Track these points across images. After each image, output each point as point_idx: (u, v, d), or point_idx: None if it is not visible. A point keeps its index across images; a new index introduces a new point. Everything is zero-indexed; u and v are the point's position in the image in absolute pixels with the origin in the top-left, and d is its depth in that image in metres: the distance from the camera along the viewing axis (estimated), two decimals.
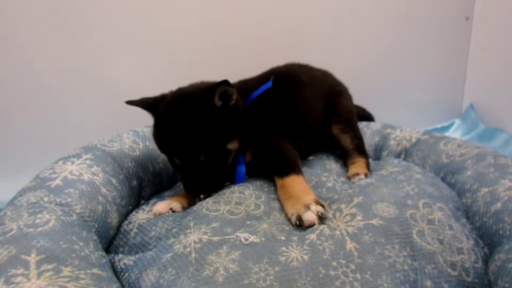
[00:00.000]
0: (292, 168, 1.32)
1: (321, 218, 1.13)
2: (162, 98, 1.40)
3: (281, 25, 2.30)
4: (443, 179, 1.48)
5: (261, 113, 1.51)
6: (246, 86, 1.57)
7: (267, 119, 1.52)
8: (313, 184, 1.38)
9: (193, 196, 1.37)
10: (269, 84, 1.55)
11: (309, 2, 2.31)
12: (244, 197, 1.27)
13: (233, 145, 1.36)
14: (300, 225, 1.13)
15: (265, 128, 1.50)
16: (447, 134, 2.53)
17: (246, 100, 1.50)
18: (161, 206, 1.31)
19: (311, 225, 1.12)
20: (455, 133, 2.55)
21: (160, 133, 1.35)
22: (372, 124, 1.97)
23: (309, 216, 1.12)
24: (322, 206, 1.15)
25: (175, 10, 2.13)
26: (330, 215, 1.17)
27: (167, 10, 2.12)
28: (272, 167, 1.36)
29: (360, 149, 1.67)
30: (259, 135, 1.47)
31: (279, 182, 1.30)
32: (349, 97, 1.86)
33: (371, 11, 2.41)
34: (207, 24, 2.19)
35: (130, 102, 1.39)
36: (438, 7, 2.47)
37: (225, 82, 1.26)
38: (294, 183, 1.27)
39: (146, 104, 1.40)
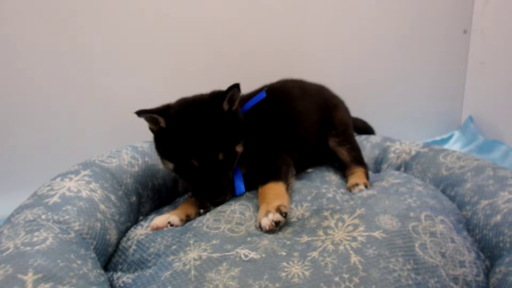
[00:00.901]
0: (273, 175, 1.37)
1: (279, 224, 1.20)
2: (169, 106, 1.40)
3: (282, 39, 2.31)
4: (443, 191, 1.47)
5: (253, 126, 1.52)
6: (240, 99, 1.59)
7: (259, 131, 1.54)
8: (313, 195, 1.37)
9: (210, 203, 1.37)
10: (262, 94, 1.57)
11: (310, 15, 2.32)
12: (244, 218, 1.27)
13: (240, 148, 1.40)
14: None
15: (258, 140, 1.52)
16: (446, 146, 2.53)
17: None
18: (159, 220, 1.30)
19: (269, 231, 1.19)
20: (455, 145, 2.55)
21: (175, 138, 1.33)
22: (371, 137, 1.97)
23: (264, 223, 1.19)
24: (283, 213, 1.21)
25: (174, 24, 2.14)
26: (332, 224, 1.18)
27: (166, 24, 2.13)
28: (258, 177, 1.40)
29: (358, 160, 1.68)
30: (253, 148, 1.49)
31: (259, 190, 1.36)
32: (345, 110, 1.87)
33: (369, 25, 2.43)
34: (206, 38, 2.19)
35: (140, 112, 1.35)
36: (436, 21, 2.48)
37: (236, 86, 1.30)
38: (270, 189, 1.32)
39: (156, 110, 1.37)
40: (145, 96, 1.96)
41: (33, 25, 1.96)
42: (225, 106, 1.35)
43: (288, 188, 1.37)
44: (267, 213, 1.21)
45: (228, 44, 2.24)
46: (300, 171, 1.70)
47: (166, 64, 2.19)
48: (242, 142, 1.41)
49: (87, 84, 2.09)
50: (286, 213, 1.22)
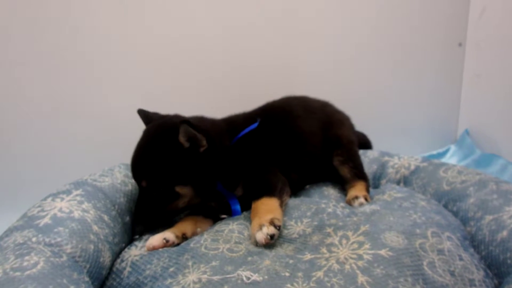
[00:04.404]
0: (266, 191, 1.34)
1: (274, 238, 1.17)
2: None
3: (277, 54, 2.30)
4: (445, 207, 1.44)
5: (253, 148, 1.50)
6: (238, 121, 1.58)
7: (259, 154, 1.51)
8: (313, 211, 1.34)
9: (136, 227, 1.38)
10: (254, 125, 1.54)
11: (306, 29, 2.32)
12: (243, 237, 1.22)
13: (183, 191, 1.34)
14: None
15: (256, 163, 1.49)
16: (443, 160, 2.52)
17: (235, 136, 1.50)
18: (155, 239, 1.25)
19: (264, 244, 1.16)
20: (451, 159, 2.54)
21: None
22: (369, 152, 1.94)
23: (259, 237, 1.16)
24: (276, 226, 1.18)
25: (167, 41, 2.12)
26: (336, 241, 1.14)
27: (160, 41, 2.11)
28: (252, 193, 1.37)
29: (359, 175, 1.64)
30: (250, 170, 1.46)
31: (252, 205, 1.32)
32: (350, 127, 1.86)
33: (364, 38, 2.43)
34: (200, 56, 2.18)
35: (141, 112, 1.48)
36: (431, 34, 2.50)
37: (185, 122, 1.24)
38: (263, 204, 1.29)
39: (145, 121, 1.47)
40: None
41: (27, 45, 1.93)
42: (185, 143, 1.30)
43: (282, 205, 1.33)
44: (260, 227, 1.18)
45: (224, 62, 2.22)
46: (300, 189, 1.66)
47: (160, 82, 2.17)
48: (191, 187, 1.35)
49: (79, 101, 2.05)
50: (279, 226, 1.19)
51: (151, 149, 1.32)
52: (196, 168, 1.33)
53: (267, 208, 1.27)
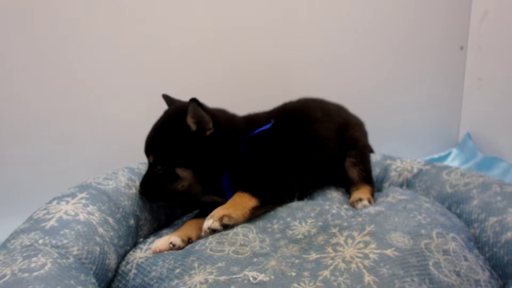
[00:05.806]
0: (254, 190, 1.34)
1: (215, 232, 1.24)
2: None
3: (278, 57, 2.31)
4: (448, 209, 1.45)
5: (268, 150, 1.50)
6: (256, 119, 1.59)
7: (274, 157, 1.50)
8: (317, 212, 1.34)
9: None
10: (268, 125, 1.55)
11: (307, 33, 2.33)
12: (248, 240, 1.22)
13: (183, 174, 1.37)
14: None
15: (269, 165, 1.48)
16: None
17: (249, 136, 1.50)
18: (160, 242, 1.26)
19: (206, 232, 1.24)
20: (453, 162, 2.54)
21: None
22: (371, 155, 1.94)
23: (204, 225, 1.25)
24: (224, 224, 1.24)
25: (168, 45, 2.12)
26: (342, 241, 1.13)
27: (160, 45, 2.11)
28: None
29: (367, 178, 1.65)
30: (260, 171, 1.45)
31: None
32: (365, 132, 1.88)
33: (365, 41, 2.44)
34: (202, 58, 2.18)
35: (166, 97, 1.57)
36: (432, 37, 2.51)
37: (195, 100, 1.28)
38: (237, 197, 1.33)
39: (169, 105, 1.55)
40: (139, 118, 1.94)
41: (25, 48, 1.93)
42: (192, 125, 1.34)
43: (258, 208, 1.33)
44: (211, 217, 1.25)
45: (224, 63, 2.23)
46: (307, 194, 1.66)
47: (160, 84, 2.16)
48: (191, 171, 1.38)
49: (82, 106, 2.05)
50: (227, 225, 1.24)
51: (161, 128, 1.40)
52: (199, 153, 1.36)
53: (234, 203, 1.31)
